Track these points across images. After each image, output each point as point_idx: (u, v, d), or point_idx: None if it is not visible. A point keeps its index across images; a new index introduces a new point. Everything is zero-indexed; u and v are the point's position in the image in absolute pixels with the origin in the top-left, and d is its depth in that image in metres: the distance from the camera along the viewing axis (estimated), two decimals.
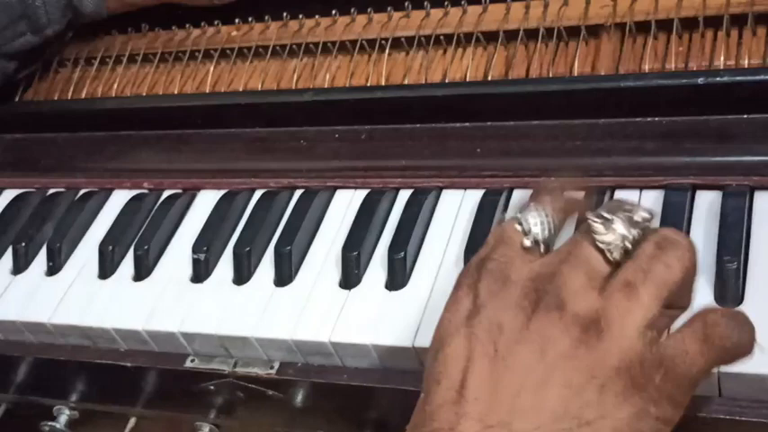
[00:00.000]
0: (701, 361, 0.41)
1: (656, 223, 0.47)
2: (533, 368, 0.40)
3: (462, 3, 0.73)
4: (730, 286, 0.52)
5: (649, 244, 0.43)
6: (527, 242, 0.46)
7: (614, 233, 0.43)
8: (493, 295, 0.43)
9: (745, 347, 0.42)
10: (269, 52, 0.78)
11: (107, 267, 0.68)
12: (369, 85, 0.72)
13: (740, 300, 0.52)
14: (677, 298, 0.43)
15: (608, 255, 0.43)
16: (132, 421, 0.71)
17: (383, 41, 0.74)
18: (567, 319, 0.41)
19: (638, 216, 0.44)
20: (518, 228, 0.47)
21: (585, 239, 0.43)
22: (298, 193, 0.68)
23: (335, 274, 0.62)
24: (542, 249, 0.47)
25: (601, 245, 0.43)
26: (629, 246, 0.43)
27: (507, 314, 0.42)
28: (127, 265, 0.68)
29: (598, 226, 0.43)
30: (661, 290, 0.41)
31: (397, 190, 0.66)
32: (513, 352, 0.41)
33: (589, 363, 0.40)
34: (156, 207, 0.72)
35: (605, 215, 0.43)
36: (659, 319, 0.41)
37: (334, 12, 0.77)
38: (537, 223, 0.47)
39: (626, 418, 0.39)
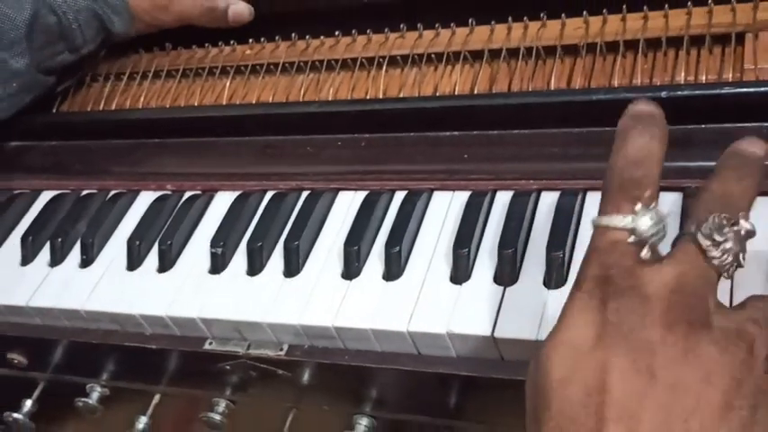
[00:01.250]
0: None
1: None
2: (688, 381, 0.35)
3: (451, 25, 0.73)
4: None
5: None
6: (644, 253, 0.39)
7: (719, 245, 0.38)
8: (629, 313, 0.37)
9: None
10: (279, 69, 0.78)
11: (134, 260, 0.68)
12: (368, 98, 0.72)
13: None
14: None
15: (720, 268, 0.38)
16: (157, 398, 0.71)
17: (381, 59, 0.74)
18: (716, 336, 0.36)
19: (743, 230, 0.39)
20: (624, 236, 0.39)
21: (697, 253, 0.38)
22: (304, 194, 0.68)
23: (338, 266, 0.62)
24: (649, 254, 0.39)
25: (713, 255, 0.38)
26: (737, 254, 0.39)
27: (649, 330, 0.36)
28: (152, 259, 0.68)
29: (704, 240, 0.38)
30: None
31: (393, 191, 0.66)
32: (666, 371, 0.35)
33: (740, 377, 0.35)
34: (177, 207, 0.71)
35: (716, 238, 0.38)
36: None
37: (337, 33, 0.77)
38: (647, 224, 0.39)
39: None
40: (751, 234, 0.39)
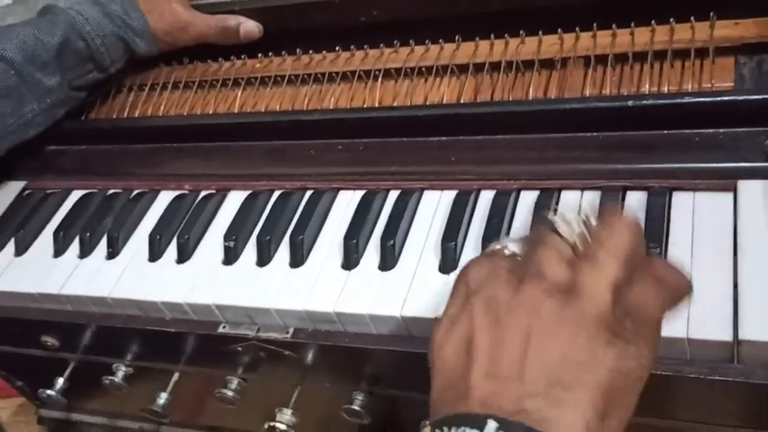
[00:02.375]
0: (659, 301, 0.41)
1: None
2: (530, 326, 0.39)
3: (439, 41, 0.73)
4: None
5: (602, 228, 0.42)
6: (507, 252, 0.45)
7: (570, 225, 0.43)
8: (484, 281, 0.42)
9: (686, 287, 0.42)
10: (285, 80, 0.78)
11: (155, 252, 0.68)
12: (365, 106, 0.72)
13: None
14: (637, 260, 0.42)
15: (568, 241, 0.42)
16: (175, 376, 0.71)
17: (376, 72, 0.73)
18: (549, 287, 0.40)
19: (585, 215, 0.43)
20: (498, 248, 0.46)
21: (549, 232, 0.43)
22: (308, 193, 0.68)
23: (338, 257, 0.62)
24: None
25: (563, 231, 0.43)
26: (584, 232, 0.43)
27: (499, 290, 0.41)
28: (171, 251, 0.68)
29: (557, 220, 0.43)
30: (618, 256, 0.40)
31: (388, 191, 0.66)
32: (509, 316, 0.40)
33: (574, 319, 0.39)
34: (194, 204, 0.71)
35: (561, 215, 0.43)
36: (624, 279, 0.40)
37: (337, 48, 0.77)
38: (515, 246, 0.46)
39: (613, 360, 0.38)
40: (590, 217, 0.44)
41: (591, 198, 0.59)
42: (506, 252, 0.45)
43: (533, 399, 0.37)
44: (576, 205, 0.59)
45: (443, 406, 0.40)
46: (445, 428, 0.37)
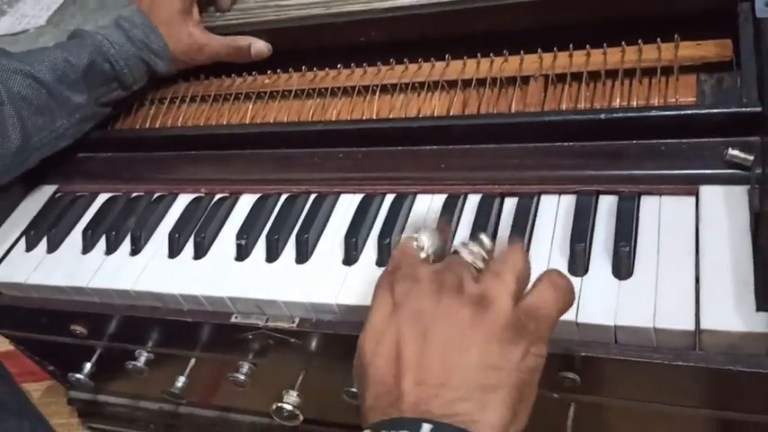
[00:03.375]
0: (555, 305, 0.43)
1: None
2: (451, 336, 0.40)
3: (431, 59, 0.73)
4: (624, 263, 0.52)
5: (504, 252, 0.45)
6: (423, 254, 0.47)
7: (472, 251, 0.46)
8: (408, 292, 0.43)
9: (573, 294, 0.45)
10: (292, 94, 0.77)
11: (174, 249, 0.68)
12: (364, 118, 0.72)
13: (631, 273, 0.52)
14: (525, 279, 0.44)
15: (474, 264, 0.45)
16: (192, 361, 0.71)
17: (374, 87, 0.73)
18: (463, 298, 0.42)
19: (486, 244, 0.47)
20: (415, 245, 0.48)
21: (459, 257, 0.46)
22: (312, 196, 0.68)
23: (340, 254, 0.62)
24: (431, 260, 0.48)
25: (467, 258, 0.45)
26: (485, 256, 0.46)
27: (423, 302, 0.42)
28: (189, 248, 0.68)
29: (463, 250, 0.46)
30: (516, 273, 0.43)
31: (384, 194, 0.66)
32: (434, 327, 0.41)
33: (486, 326, 0.40)
34: (209, 206, 0.71)
35: (464, 242, 0.47)
36: (519, 290, 0.43)
37: (339, 66, 0.77)
38: (429, 242, 0.48)
39: (518, 359, 0.40)
40: (492, 245, 0.48)
41: (567, 201, 0.59)
42: (422, 255, 0.47)
43: (461, 403, 0.38)
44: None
45: (377, 412, 0.40)
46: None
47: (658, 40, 0.64)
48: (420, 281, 0.43)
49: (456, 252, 0.46)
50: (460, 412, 0.37)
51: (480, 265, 0.45)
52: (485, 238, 0.47)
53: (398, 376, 0.39)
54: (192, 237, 0.68)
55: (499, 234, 0.58)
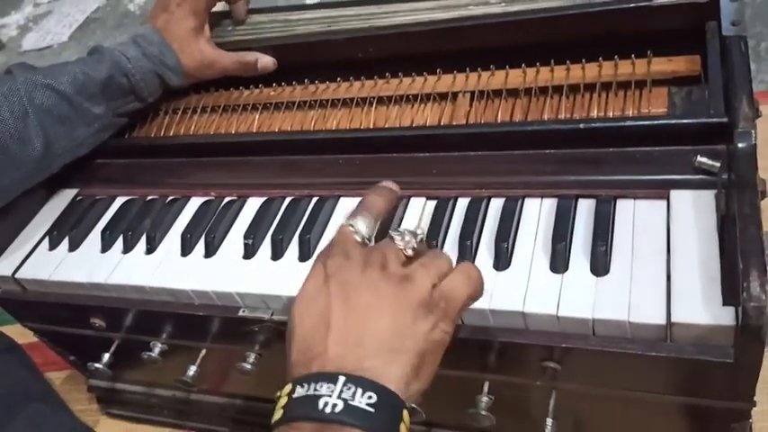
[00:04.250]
0: (465, 291, 0.46)
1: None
2: (371, 305, 0.43)
3: (424, 74, 0.73)
4: (601, 262, 0.52)
5: (430, 252, 0.48)
6: (357, 238, 0.49)
7: (404, 240, 0.48)
8: (339, 266, 0.45)
9: (482, 286, 0.48)
10: (295, 105, 0.77)
11: (186, 248, 0.68)
12: (362, 127, 0.72)
13: (608, 271, 0.52)
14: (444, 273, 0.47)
15: (404, 251, 0.47)
16: (203, 351, 0.70)
17: (371, 99, 0.73)
18: (388, 275, 0.44)
19: (419, 237, 0.49)
20: (351, 229, 0.49)
21: (392, 242, 0.48)
22: (314, 199, 0.68)
23: None
24: (367, 244, 0.49)
25: (399, 244, 0.47)
26: (415, 246, 0.48)
27: (350, 274, 0.45)
28: (200, 247, 0.68)
29: (396, 236, 0.48)
30: (439, 270, 0.46)
31: None
32: (357, 295, 0.43)
33: (403, 300, 0.43)
34: (219, 208, 0.71)
35: (399, 230, 0.48)
36: (438, 281, 0.46)
37: (338, 79, 0.77)
38: (364, 227, 0.50)
39: (426, 331, 0.43)
40: (422, 233, 0.50)
41: (549, 204, 0.59)
42: (356, 237, 0.49)
43: (371, 360, 0.41)
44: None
45: (300, 366, 0.42)
46: (305, 384, 0.40)
47: (632, 56, 0.64)
48: (351, 257, 0.46)
49: (391, 238, 0.48)
50: (370, 368, 0.41)
51: (409, 252, 0.47)
52: (419, 232, 0.49)
53: (323, 336, 0.42)
54: (203, 237, 0.68)
55: (484, 234, 0.58)
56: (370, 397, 0.39)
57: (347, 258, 0.46)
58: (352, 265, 0.45)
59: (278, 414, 0.41)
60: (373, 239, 0.50)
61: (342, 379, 0.39)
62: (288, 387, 0.41)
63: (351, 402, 0.39)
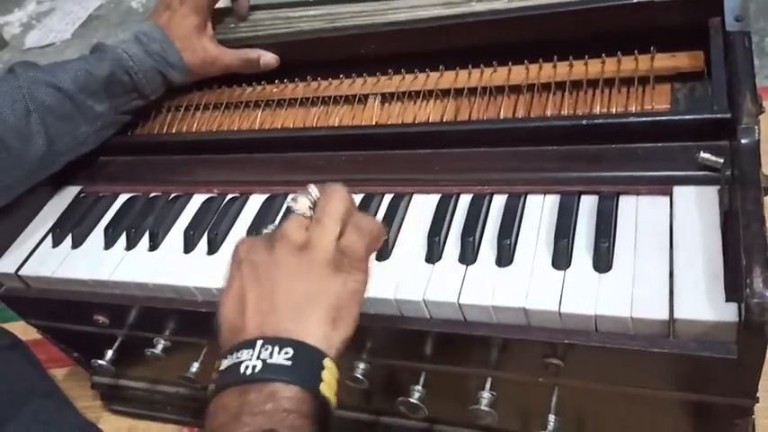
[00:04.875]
0: (361, 242, 0.48)
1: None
2: (280, 276, 0.46)
3: (426, 70, 0.73)
4: (603, 258, 0.52)
5: (321, 198, 0.49)
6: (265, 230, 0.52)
7: (299, 202, 0.49)
8: (247, 251, 0.48)
9: (380, 231, 0.50)
10: (297, 102, 0.77)
11: (189, 245, 0.68)
12: (364, 124, 0.72)
13: (610, 267, 0.52)
14: (350, 216, 0.49)
15: (303, 214, 0.49)
16: (206, 348, 0.70)
17: (373, 95, 0.73)
18: (290, 246, 0.47)
19: (312, 190, 0.50)
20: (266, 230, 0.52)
21: (290, 212, 0.49)
22: None
23: None
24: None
25: (297, 212, 0.49)
26: (311, 205, 0.49)
27: (257, 256, 0.47)
28: (202, 244, 0.68)
29: (291, 202, 0.50)
30: (336, 216, 0.48)
31: (383, 194, 0.66)
32: (266, 272, 0.46)
33: (308, 265, 0.46)
34: (222, 205, 0.71)
35: (292, 196, 0.50)
36: (342, 229, 0.48)
37: (341, 76, 0.77)
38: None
39: (337, 286, 0.46)
40: (316, 193, 0.50)
41: (551, 201, 0.59)
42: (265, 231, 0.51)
43: (286, 323, 0.44)
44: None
45: (229, 344, 0.45)
46: (230, 355, 0.43)
47: (635, 52, 0.64)
48: (256, 240, 0.49)
49: (288, 208, 0.50)
50: (286, 329, 0.44)
51: (309, 213, 0.49)
52: (312, 188, 0.50)
53: (242, 313, 0.45)
54: (206, 233, 0.68)
55: (487, 231, 0.58)
56: (287, 353, 0.42)
57: (253, 241, 0.49)
58: (257, 245, 0.48)
59: (210, 389, 0.44)
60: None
61: (260, 342, 0.43)
62: (216, 364, 0.44)
63: (269, 361, 0.42)
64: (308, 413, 0.41)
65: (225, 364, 0.43)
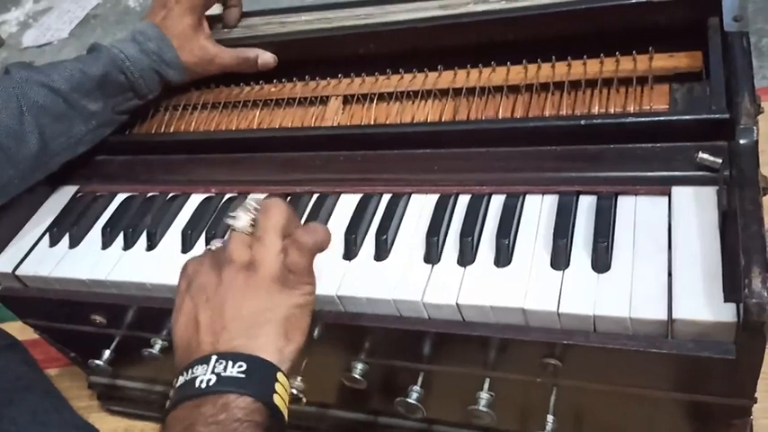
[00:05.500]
0: (304, 259, 0.49)
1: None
2: (228, 298, 0.47)
3: (424, 70, 0.73)
4: (602, 258, 0.52)
5: (260, 214, 0.51)
6: (213, 248, 0.53)
7: (239, 220, 0.51)
8: (194, 272, 0.50)
9: (323, 240, 0.51)
10: (296, 102, 0.77)
11: (187, 245, 0.68)
12: (362, 124, 0.72)
13: (609, 267, 0.52)
14: (291, 228, 0.50)
15: (245, 231, 0.50)
16: None
17: (372, 95, 0.73)
18: (235, 266, 0.48)
19: (251, 205, 0.51)
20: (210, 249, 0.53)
21: (232, 231, 0.51)
22: (315, 196, 0.68)
23: (340, 250, 0.62)
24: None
25: (238, 229, 0.50)
26: (252, 222, 0.51)
27: (204, 277, 0.49)
28: (200, 244, 0.68)
29: (231, 220, 0.51)
30: (276, 230, 0.49)
31: (382, 194, 0.65)
32: (215, 292, 0.48)
33: (256, 284, 0.48)
34: (220, 205, 0.71)
35: (232, 214, 0.51)
36: (287, 245, 0.49)
37: (339, 75, 0.77)
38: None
39: (286, 301, 0.48)
40: (257, 205, 0.51)
41: (550, 201, 0.59)
42: (212, 248, 0.53)
43: (239, 339, 0.46)
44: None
45: (184, 362, 0.46)
46: (185, 372, 0.45)
47: (634, 52, 0.64)
48: (203, 260, 0.51)
49: (229, 226, 0.51)
50: (238, 345, 0.45)
51: (250, 230, 0.50)
52: (251, 203, 0.51)
53: (196, 333, 0.47)
54: (204, 233, 0.68)
55: (485, 231, 0.58)
56: (240, 366, 0.44)
57: (200, 262, 0.51)
58: (204, 267, 0.50)
59: (167, 405, 0.45)
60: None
61: (214, 357, 0.44)
62: (174, 381, 0.46)
63: (223, 374, 0.43)
64: (262, 423, 0.43)
65: (180, 380, 0.45)
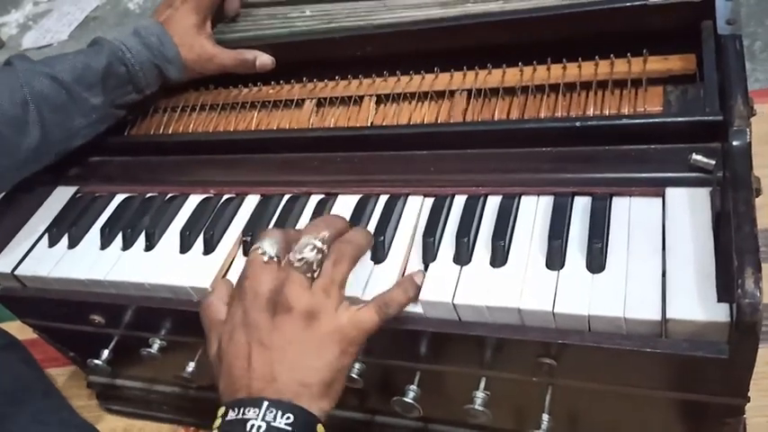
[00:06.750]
0: (375, 322, 0.50)
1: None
2: (286, 349, 0.48)
3: (421, 72, 0.73)
4: (597, 259, 0.52)
5: (329, 260, 0.51)
6: (265, 258, 0.50)
7: (304, 260, 0.50)
8: (251, 308, 0.49)
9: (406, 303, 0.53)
10: (293, 103, 0.77)
11: (185, 245, 0.68)
12: (359, 125, 0.72)
13: (604, 268, 0.52)
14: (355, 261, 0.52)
15: (306, 274, 0.49)
16: (202, 348, 0.70)
17: (369, 97, 0.73)
18: (294, 315, 0.48)
19: (319, 241, 0.51)
20: (259, 251, 0.51)
21: (294, 272, 0.49)
22: (312, 197, 0.68)
23: None
24: (276, 261, 0.51)
25: (300, 268, 0.49)
26: (316, 263, 0.50)
27: (261, 316, 0.48)
28: (199, 244, 0.68)
29: (294, 255, 0.50)
30: (341, 283, 0.50)
31: (379, 195, 0.65)
32: (270, 339, 0.48)
33: (315, 339, 0.48)
34: (218, 206, 0.71)
35: (297, 252, 0.50)
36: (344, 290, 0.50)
37: (336, 77, 0.77)
38: (270, 247, 0.51)
39: (339, 362, 0.48)
40: (325, 239, 0.51)
41: (545, 202, 0.59)
42: (264, 258, 0.50)
43: (289, 393, 0.47)
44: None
45: (229, 394, 0.48)
46: (236, 408, 0.46)
47: (628, 54, 0.64)
48: (259, 295, 0.49)
49: (290, 263, 0.50)
50: (287, 396, 0.46)
51: (312, 273, 0.50)
52: (317, 242, 0.50)
53: (246, 373, 0.47)
54: (202, 234, 0.68)
55: (481, 232, 0.58)
56: (288, 417, 0.45)
57: (256, 297, 0.49)
58: (261, 307, 0.49)
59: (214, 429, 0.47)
60: (281, 254, 0.51)
61: (265, 404, 0.46)
62: (222, 410, 0.47)
63: (272, 424, 0.45)
64: None
65: (231, 416, 0.46)
